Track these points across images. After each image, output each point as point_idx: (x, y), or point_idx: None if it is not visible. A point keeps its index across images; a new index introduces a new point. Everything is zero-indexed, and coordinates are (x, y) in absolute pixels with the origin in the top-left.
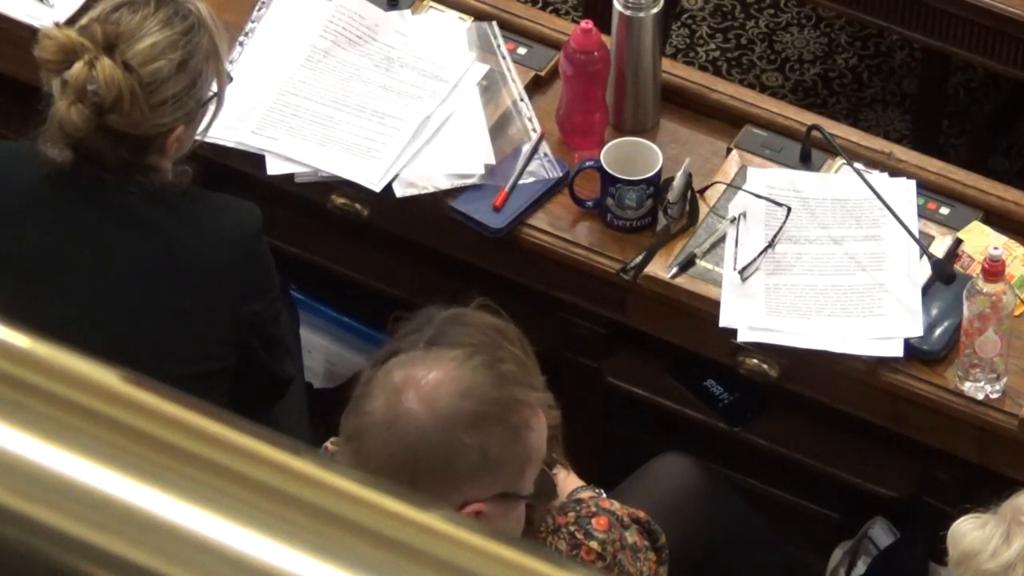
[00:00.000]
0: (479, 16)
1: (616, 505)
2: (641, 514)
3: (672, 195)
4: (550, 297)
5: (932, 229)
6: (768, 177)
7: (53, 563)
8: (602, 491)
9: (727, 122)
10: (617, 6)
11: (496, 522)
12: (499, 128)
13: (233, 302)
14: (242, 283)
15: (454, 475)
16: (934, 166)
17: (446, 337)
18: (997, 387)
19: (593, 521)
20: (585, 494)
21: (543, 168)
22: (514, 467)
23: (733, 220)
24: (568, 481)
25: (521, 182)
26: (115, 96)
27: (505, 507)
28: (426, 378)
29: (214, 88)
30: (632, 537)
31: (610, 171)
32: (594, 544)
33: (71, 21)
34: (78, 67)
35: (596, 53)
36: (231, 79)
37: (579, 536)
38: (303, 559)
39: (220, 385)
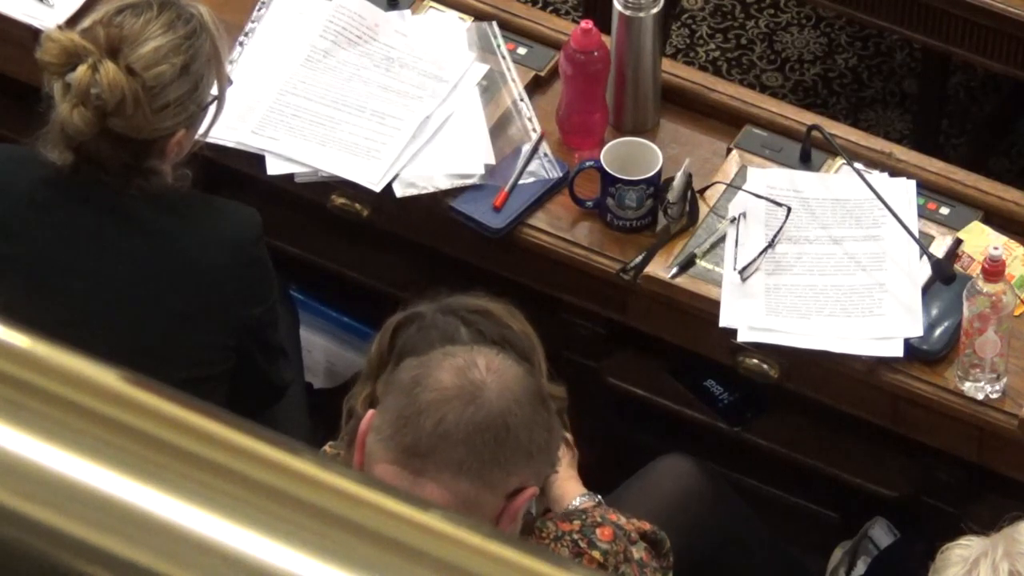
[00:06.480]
0: (479, 16)
1: (623, 519)
2: (646, 526)
3: (672, 195)
4: (550, 297)
5: (932, 229)
6: (768, 177)
7: (53, 563)
8: (600, 498)
9: (727, 122)
10: (617, 6)
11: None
12: (499, 128)
13: (232, 306)
14: (241, 288)
15: (528, 450)
16: (934, 166)
17: (460, 301)
18: (997, 387)
19: (598, 531)
20: (588, 503)
21: (543, 168)
22: (554, 454)
23: (733, 220)
24: (568, 486)
25: (521, 182)
26: (118, 100)
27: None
28: (486, 357)
29: (214, 91)
30: (639, 553)
31: (610, 171)
32: (597, 554)
33: (71, 22)
34: (81, 70)
35: (596, 53)
36: (231, 82)
37: (582, 544)
38: (303, 559)
39: (219, 389)
